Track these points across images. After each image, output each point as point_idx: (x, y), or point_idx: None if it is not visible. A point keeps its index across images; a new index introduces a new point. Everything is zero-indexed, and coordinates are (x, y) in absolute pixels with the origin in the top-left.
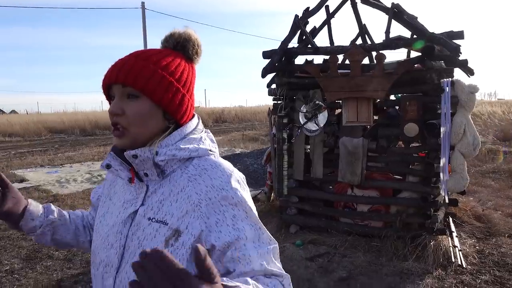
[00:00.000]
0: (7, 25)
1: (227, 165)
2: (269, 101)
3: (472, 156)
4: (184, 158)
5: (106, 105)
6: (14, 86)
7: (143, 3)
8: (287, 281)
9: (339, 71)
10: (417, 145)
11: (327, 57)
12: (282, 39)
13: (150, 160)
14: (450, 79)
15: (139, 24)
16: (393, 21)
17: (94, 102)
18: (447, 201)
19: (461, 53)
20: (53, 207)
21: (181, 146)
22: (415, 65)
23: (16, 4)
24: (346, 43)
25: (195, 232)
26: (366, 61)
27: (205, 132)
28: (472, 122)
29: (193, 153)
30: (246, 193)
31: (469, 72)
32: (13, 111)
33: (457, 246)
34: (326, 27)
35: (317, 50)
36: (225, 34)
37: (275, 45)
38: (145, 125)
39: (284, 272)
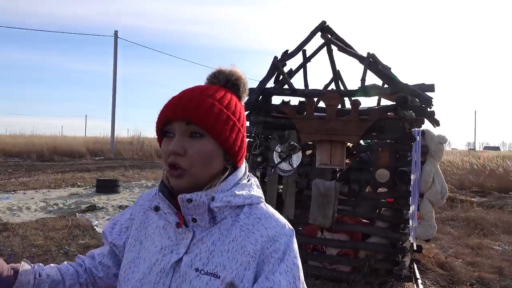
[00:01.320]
0: None
1: (280, 215)
2: None
3: (440, 205)
4: (236, 205)
5: (66, 130)
6: None
7: (116, 31)
8: None
9: (315, 114)
10: (384, 190)
11: (303, 99)
12: (258, 78)
13: (205, 206)
14: (420, 128)
15: (110, 51)
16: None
17: (54, 127)
18: (415, 247)
19: (433, 105)
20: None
21: (236, 192)
22: (388, 113)
23: None
24: (320, 86)
25: (250, 286)
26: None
27: (251, 177)
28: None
29: (247, 200)
30: (295, 247)
31: (435, 123)
32: None
33: None
34: (302, 70)
35: (295, 92)
36: (195, 69)
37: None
38: (207, 166)
39: None
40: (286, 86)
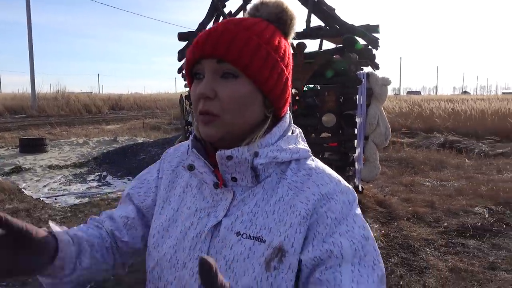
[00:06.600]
0: None
1: (332, 171)
2: (169, 89)
3: (383, 146)
4: (282, 161)
5: None
6: None
7: None
8: None
9: None
10: (328, 135)
11: None
12: (197, 22)
13: (247, 163)
14: (365, 71)
15: None
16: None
17: None
18: (360, 189)
19: (379, 46)
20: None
21: (283, 146)
22: (334, 56)
23: None
24: None
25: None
26: None
27: (295, 128)
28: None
29: (294, 155)
30: (355, 205)
31: (375, 66)
32: None
33: None
34: (242, 12)
35: None
36: (123, 16)
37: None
38: (242, 113)
39: None
40: None
